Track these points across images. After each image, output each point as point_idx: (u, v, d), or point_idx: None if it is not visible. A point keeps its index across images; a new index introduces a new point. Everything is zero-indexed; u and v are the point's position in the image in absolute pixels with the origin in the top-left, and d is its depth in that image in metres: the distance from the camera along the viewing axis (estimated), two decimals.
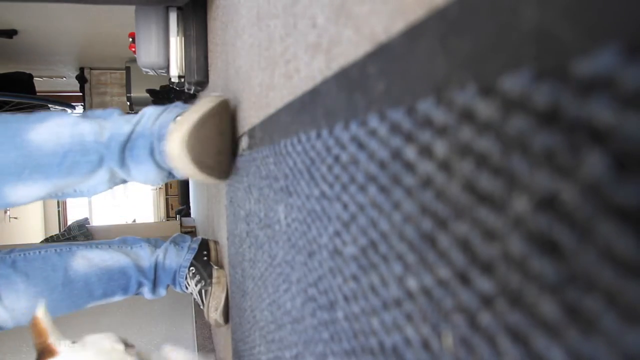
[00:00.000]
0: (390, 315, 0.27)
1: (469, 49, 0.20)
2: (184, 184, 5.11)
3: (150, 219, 7.36)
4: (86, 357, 0.69)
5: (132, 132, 0.85)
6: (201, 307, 1.11)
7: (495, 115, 0.19)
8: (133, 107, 3.30)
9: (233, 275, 0.94)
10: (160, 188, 6.24)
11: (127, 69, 3.49)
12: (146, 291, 1.10)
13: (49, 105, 3.10)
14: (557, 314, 0.16)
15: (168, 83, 1.84)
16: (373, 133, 0.29)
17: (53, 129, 0.83)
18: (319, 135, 0.38)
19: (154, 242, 1.14)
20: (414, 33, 0.25)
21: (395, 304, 0.27)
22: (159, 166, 0.86)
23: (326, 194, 0.37)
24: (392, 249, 0.27)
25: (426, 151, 0.23)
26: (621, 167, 0.14)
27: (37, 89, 3.51)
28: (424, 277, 0.24)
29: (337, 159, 0.35)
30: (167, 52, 1.65)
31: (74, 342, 0.71)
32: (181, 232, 3.55)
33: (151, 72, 1.83)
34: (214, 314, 1.08)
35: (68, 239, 3.77)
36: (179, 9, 1.61)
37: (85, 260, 1.03)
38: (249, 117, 0.75)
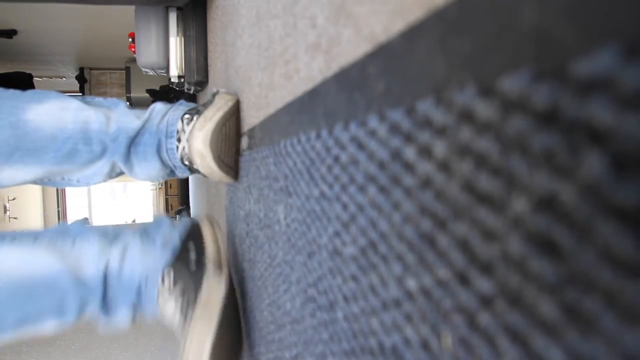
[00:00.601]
0: (390, 316, 0.27)
1: (469, 49, 0.20)
2: (184, 184, 5.11)
3: (150, 219, 7.36)
4: None
5: (141, 128, 0.81)
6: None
7: (495, 116, 0.19)
8: (133, 107, 3.31)
9: (232, 276, 0.94)
10: (160, 188, 6.23)
11: (127, 69, 3.50)
12: (95, 312, 0.73)
13: None
14: (556, 314, 0.16)
15: (168, 83, 1.85)
16: (373, 133, 0.29)
17: (54, 112, 0.75)
18: (318, 136, 0.38)
19: (114, 234, 0.78)
20: (413, 33, 0.25)
21: (394, 304, 0.27)
22: (163, 163, 0.84)
23: (326, 195, 0.37)
24: (391, 249, 0.27)
25: (426, 151, 0.23)
26: (620, 168, 0.14)
27: (37, 89, 3.52)
28: (423, 277, 0.24)
29: (336, 159, 0.35)
30: (167, 52, 1.65)
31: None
32: None
33: (151, 72, 1.83)
34: None
35: None
36: (179, 9, 1.61)
37: None
38: (249, 117, 0.75)
